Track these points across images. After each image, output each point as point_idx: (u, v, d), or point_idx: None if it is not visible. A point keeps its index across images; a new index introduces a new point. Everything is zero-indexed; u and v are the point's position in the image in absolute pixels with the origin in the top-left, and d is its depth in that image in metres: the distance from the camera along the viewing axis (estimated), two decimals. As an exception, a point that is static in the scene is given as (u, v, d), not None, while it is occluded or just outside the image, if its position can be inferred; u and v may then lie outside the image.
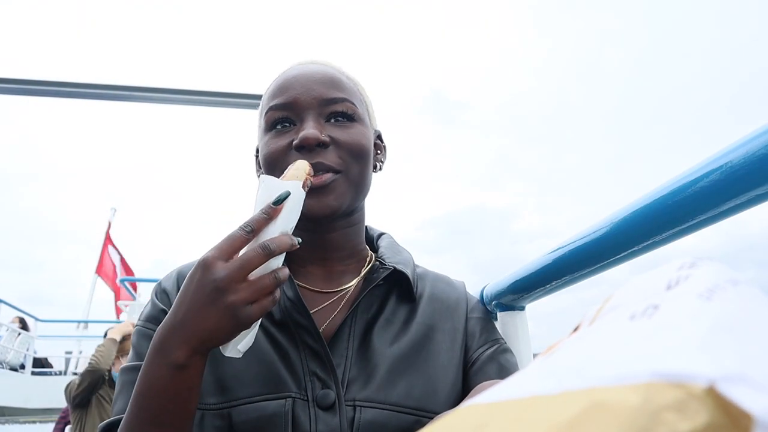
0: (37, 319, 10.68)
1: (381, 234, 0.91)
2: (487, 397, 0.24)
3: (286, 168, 0.72)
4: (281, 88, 0.76)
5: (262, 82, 0.83)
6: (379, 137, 0.85)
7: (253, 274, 0.58)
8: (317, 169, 0.71)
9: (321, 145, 0.72)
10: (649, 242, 0.64)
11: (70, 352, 11.65)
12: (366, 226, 0.90)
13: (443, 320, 0.79)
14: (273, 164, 0.74)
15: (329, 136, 0.73)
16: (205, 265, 0.57)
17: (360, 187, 0.77)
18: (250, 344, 0.62)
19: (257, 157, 0.85)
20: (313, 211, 0.71)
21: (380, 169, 0.85)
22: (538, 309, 1.08)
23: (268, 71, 0.84)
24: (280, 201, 0.61)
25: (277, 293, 0.60)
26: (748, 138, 0.49)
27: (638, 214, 0.63)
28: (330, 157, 0.72)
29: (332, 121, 0.75)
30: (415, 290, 0.79)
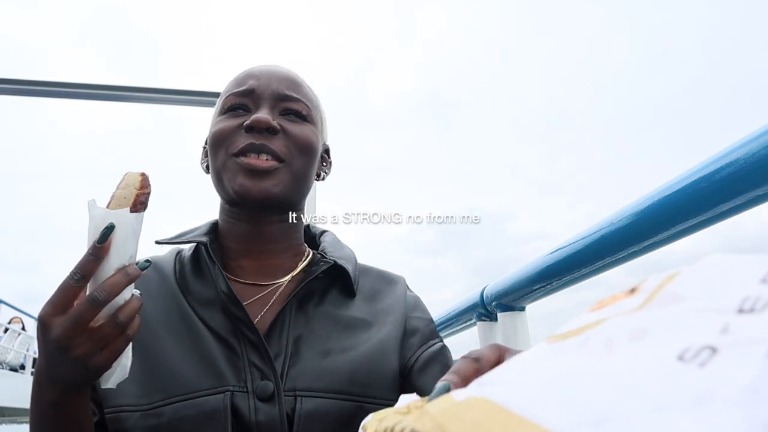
0: (37, 320, 10.63)
1: (324, 231, 0.92)
2: (501, 393, 0.23)
3: (231, 146, 0.73)
4: (243, 79, 0.79)
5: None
6: (326, 151, 0.88)
7: (96, 320, 0.55)
8: (262, 150, 0.73)
9: (271, 131, 0.74)
10: (647, 243, 0.65)
11: (69, 352, 11.60)
12: (308, 225, 0.91)
13: (384, 313, 0.79)
14: (219, 142, 0.75)
15: (280, 125, 0.75)
16: (42, 325, 0.55)
17: (301, 182, 0.78)
18: (126, 374, 0.60)
19: (205, 148, 0.84)
20: (249, 194, 0.72)
21: (323, 178, 0.88)
22: (538, 309, 1.09)
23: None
24: (104, 238, 0.55)
25: (131, 330, 0.57)
26: (748, 139, 0.49)
27: (636, 216, 0.63)
28: (277, 145, 0.74)
29: (286, 116, 0.78)
30: (355, 286, 0.79)
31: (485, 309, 1.19)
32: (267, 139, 0.73)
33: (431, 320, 0.84)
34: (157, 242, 0.81)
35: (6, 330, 9.65)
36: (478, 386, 0.26)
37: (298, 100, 0.78)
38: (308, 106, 0.80)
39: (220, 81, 0.88)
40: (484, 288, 1.17)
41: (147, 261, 0.58)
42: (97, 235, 0.55)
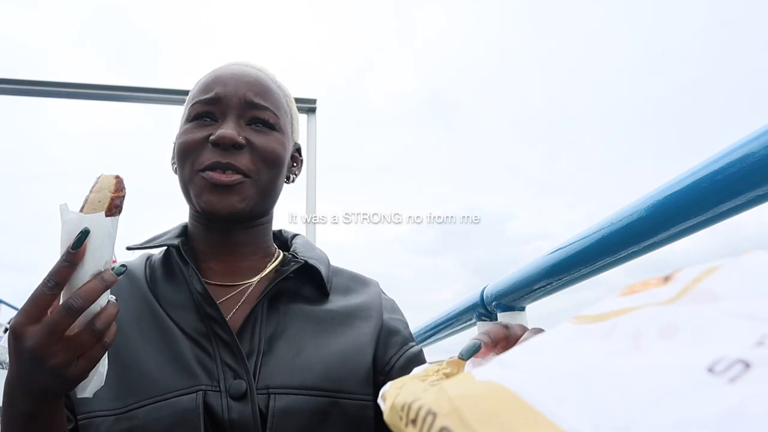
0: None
1: (295, 235, 0.92)
2: (521, 380, 0.22)
3: (197, 161, 0.73)
4: (210, 84, 0.78)
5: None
6: (297, 150, 0.88)
7: (72, 328, 0.53)
8: (227, 168, 0.72)
9: (236, 147, 0.73)
10: (647, 243, 0.65)
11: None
12: (281, 230, 0.91)
13: (357, 310, 0.80)
14: (185, 154, 0.75)
15: (246, 139, 0.74)
16: (15, 334, 0.53)
17: (268, 194, 0.78)
18: (102, 382, 0.59)
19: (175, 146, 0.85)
20: (215, 209, 0.72)
21: (293, 181, 0.88)
22: (538, 309, 1.09)
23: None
24: (79, 243, 0.53)
25: (109, 337, 0.56)
26: (748, 139, 0.49)
27: (636, 216, 0.63)
28: (242, 161, 0.73)
29: (252, 125, 0.77)
30: (328, 286, 0.80)
31: (485, 309, 1.19)
32: (232, 156, 0.73)
33: (407, 324, 0.86)
34: (129, 248, 0.81)
35: (6, 330, 9.65)
36: (499, 366, 0.26)
37: (265, 109, 0.77)
38: (276, 114, 0.78)
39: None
40: (484, 288, 1.18)
41: (123, 265, 0.57)
42: (71, 241, 0.53)
